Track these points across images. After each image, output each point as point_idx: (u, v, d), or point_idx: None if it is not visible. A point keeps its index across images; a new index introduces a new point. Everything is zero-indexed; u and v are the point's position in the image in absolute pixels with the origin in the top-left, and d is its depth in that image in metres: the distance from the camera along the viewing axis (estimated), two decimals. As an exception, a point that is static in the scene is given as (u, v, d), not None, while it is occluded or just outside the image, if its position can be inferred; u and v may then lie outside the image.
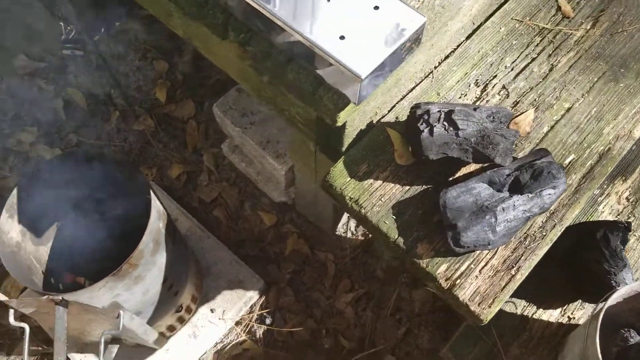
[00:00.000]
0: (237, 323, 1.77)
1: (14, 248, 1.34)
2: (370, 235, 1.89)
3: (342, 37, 0.91)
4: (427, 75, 1.25)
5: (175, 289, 1.54)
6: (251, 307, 1.81)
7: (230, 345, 1.75)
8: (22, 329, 1.29)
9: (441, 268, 1.05)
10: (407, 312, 1.79)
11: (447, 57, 1.27)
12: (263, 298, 1.82)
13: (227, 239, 1.93)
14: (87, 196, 1.52)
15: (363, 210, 1.10)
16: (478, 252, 1.07)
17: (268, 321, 1.78)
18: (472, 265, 1.06)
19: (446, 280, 1.05)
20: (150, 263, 1.35)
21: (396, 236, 1.08)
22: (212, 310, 1.74)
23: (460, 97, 1.23)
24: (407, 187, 1.12)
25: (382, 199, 1.11)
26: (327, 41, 0.90)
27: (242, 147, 1.90)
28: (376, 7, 0.95)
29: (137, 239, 1.67)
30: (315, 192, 1.72)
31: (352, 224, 1.93)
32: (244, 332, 1.76)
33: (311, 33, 0.90)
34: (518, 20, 1.32)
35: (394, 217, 1.10)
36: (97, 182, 1.49)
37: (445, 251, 1.06)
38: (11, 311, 1.27)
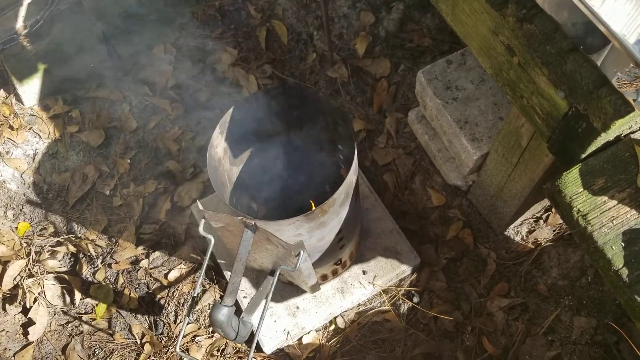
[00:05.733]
0: (385, 291, 1.75)
1: (216, 163, 1.40)
2: (541, 246, 1.77)
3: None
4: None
5: (343, 243, 1.54)
6: (401, 280, 1.78)
7: (373, 310, 1.74)
8: (208, 239, 1.36)
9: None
10: (562, 337, 1.66)
11: None
12: (414, 275, 1.79)
13: (390, 206, 1.90)
14: (285, 132, 1.56)
15: (590, 228, 1.01)
16: None
17: (415, 300, 1.74)
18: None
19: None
20: (335, 213, 1.35)
21: (620, 266, 0.98)
22: (364, 272, 1.74)
23: None
24: (646, 217, 1.01)
25: (614, 222, 1.01)
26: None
27: (432, 120, 1.83)
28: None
29: (318, 184, 1.70)
30: (501, 187, 1.62)
31: (525, 228, 1.81)
32: (389, 302, 1.74)
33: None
34: None
35: (623, 244, 0.99)
36: (299, 121, 1.52)
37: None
38: (203, 221, 1.34)
